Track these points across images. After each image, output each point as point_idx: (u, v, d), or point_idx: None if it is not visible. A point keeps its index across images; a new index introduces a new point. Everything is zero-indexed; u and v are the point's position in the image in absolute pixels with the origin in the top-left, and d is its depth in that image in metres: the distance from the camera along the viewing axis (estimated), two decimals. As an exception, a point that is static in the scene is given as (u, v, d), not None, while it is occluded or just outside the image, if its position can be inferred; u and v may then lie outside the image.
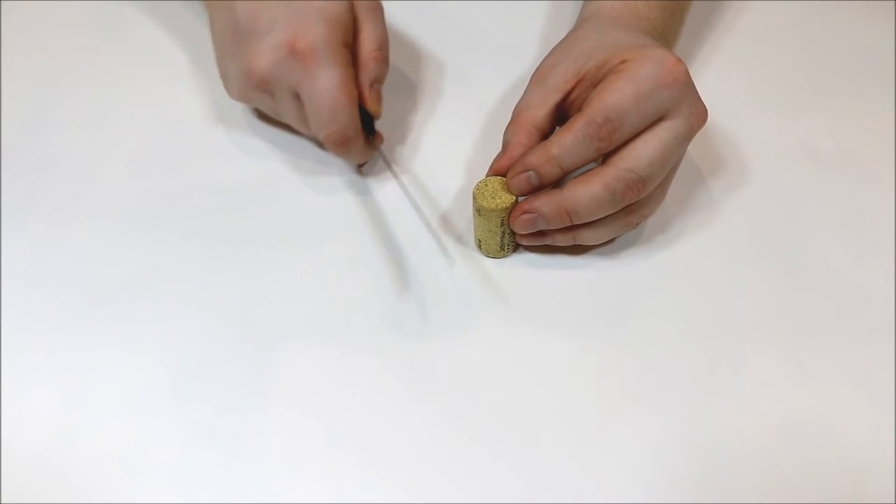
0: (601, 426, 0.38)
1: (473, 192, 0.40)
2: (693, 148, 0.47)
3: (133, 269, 0.43)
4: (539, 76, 0.41)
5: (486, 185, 0.40)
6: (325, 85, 0.40)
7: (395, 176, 0.42)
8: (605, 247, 0.43)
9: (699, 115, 0.38)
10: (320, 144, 0.47)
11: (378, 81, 0.43)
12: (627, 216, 0.40)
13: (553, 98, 0.40)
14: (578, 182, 0.38)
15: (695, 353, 0.40)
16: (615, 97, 0.37)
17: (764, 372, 0.39)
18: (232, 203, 0.45)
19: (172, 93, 0.50)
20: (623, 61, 0.38)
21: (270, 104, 0.44)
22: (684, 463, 0.37)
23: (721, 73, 0.51)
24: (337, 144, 0.42)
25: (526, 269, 0.43)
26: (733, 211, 0.45)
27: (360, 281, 0.42)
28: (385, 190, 0.46)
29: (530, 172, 0.38)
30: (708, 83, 0.49)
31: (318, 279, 0.42)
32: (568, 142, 0.37)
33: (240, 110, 0.49)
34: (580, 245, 0.42)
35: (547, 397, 0.39)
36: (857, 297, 0.42)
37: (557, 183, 0.39)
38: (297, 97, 0.42)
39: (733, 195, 0.45)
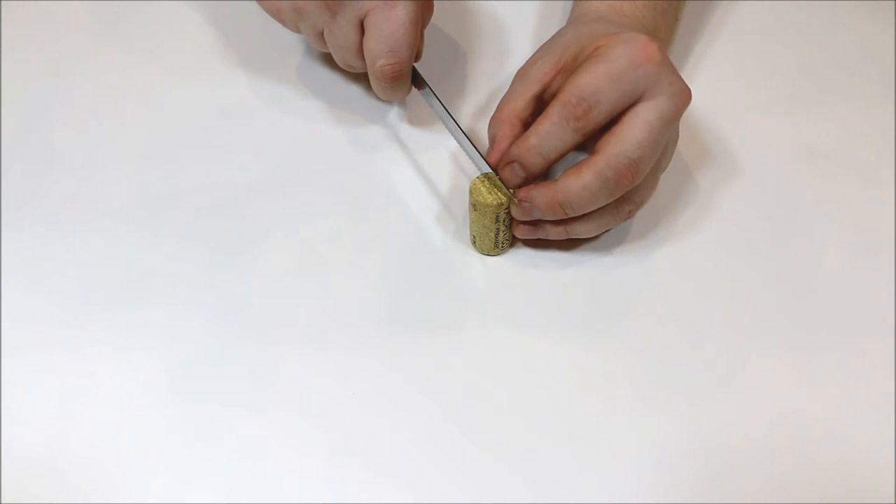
0: (601, 425, 0.38)
1: (469, 188, 0.40)
2: (691, 147, 0.47)
3: (132, 269, 0.43)
4: (521, 73, 0.42)
5: (482, 181, 0.40)
6: (401, 16, 0.41)
7: (442, 105, 0.43)
8: (603, 245, 0.43)
9: (682, 93, 0.38)
10: (340, 70, 0.46)
11: (424, 27, 0.45)
12: (619, 205, 0.39)
13: (532, 89, 0.40)
14: (569, 174, 0.38)
15: (695, 352, 0.40)
16: (586, 77, 0.37)
17: (764, 371, 0.39)
18: (232, 203, 0.45)
19: (172, 93, 0.50)
20: (597, 47, 0.38)
21: (297, 24, 0.44)
22: (685, 463, 0.37)
23: (719, 72, 0.50)
24: (391, 77, 0.42)
25: (525, 269, 0.43)
26: (732, 210, 0.45)
27: (359, 281, 0.42)
28: (384, 190, 0.46)
29: (515, 164, 0.39)
30: (706, 83, 0.49)
31: (317, 279, 0.42)
32: (545, 128, 0.38)
33: (240, 109, 0.49)
34: (573, 239, 0.42)
35: (546, 397, 0.39)
36: (857, 297, 0.42)
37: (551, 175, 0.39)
38: (358, 24, 0.42)
39: (732, 195, 0.45)
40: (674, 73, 0.38)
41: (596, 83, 0.37)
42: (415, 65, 0.45)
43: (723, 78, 0.50)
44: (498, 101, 0.41)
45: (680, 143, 0.44)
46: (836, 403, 0.39)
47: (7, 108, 0.49)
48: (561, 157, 0.38)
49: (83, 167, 0.47)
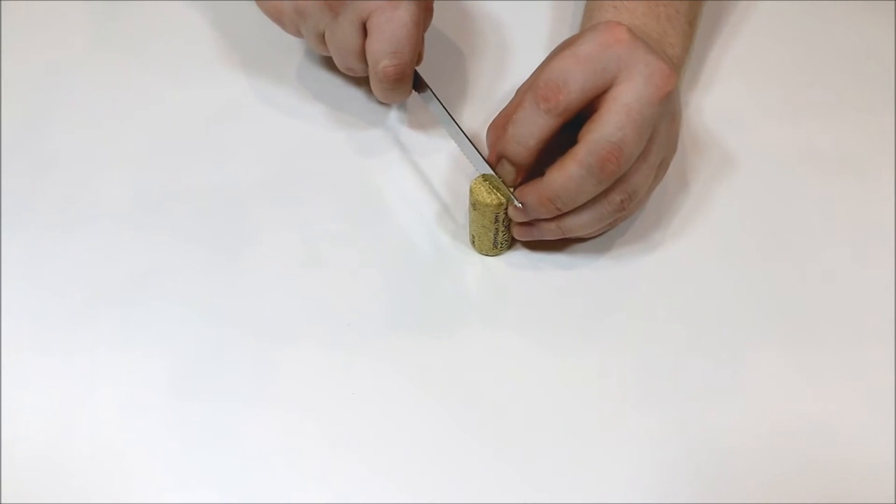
0: (601, 426, 0.38)
1: (470, 187, 0.40)
2: (690, 147, 0.47)
3: (133, 269, 0.43)
4: (523, 86, 0.42)
5: (482, 181, 0.40)
6: (404, 18, 0.41)
7: (444, 107, 0.43)
8: (602, 245, 0.43)
9: (660, 73, 0.37)
10: (340, 72, 0.46)
11: (425, 30, 0.45)
12: (609, 195, 0.39)
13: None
14: (554, 167, 0.38)
15: (695, 352, 0.40)
16: (554, 62, 0.38)
17: (764, 372, 0.39)
18: (232, 203, 0.45)
19: (172, 93, 0.50)
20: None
21: (298, 26, 0.44)
22: (684, 463, 0.37)
23: (719, 72, 0.50)
24: (394, 78, 0.42)
25: (524, 269, 0.43)
26: (731, 210, 0.45)
27: (359, 282, 0.42)
28: (385, 191, 0.46)
29: (503, 159, 0.39)
30: (706, 83, 0.49)
31: (317, 279, 0.42)
32: (518, 115, 0.38)
33: (240, 110, 0.49)
34: (575, 240, 0.42)
35: (546, 397, 0.39)
36: (857, 297, 0.42)
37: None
38: (361, 25, 0.42)
39: (732, 195, 0.45)
40: (648, 53, 0.37)
41: (562, 65, 0.37)
42: (416, 68, 0.45)
43: (723, 78, 0.50)
44: (499, 102, 0.41)
45: (679, 143, 0.44)
46: (836, 403, 0.39)
47: (7, 108, 0.49)
48: (540, 145, 0.38)
49: (83, 167, 0.47)
